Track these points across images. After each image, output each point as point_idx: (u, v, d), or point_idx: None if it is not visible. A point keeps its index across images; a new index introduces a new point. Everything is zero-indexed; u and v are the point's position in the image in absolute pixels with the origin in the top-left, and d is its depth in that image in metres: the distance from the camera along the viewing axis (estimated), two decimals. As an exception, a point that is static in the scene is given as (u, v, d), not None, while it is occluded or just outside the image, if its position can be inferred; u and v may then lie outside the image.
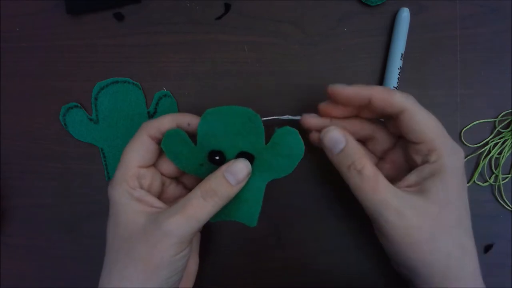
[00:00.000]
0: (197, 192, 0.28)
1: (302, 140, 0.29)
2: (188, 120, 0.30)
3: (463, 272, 0.27)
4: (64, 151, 0.39)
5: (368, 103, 0.28)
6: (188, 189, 0.34)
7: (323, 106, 0.30)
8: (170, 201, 0.32)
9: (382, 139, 0.31)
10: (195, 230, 0.27)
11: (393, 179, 0.29)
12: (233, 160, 0.29)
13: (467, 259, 0.28)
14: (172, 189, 0.33)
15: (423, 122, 0.27)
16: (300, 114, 0.32)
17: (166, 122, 0.30)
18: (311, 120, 0.31)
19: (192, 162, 0.31)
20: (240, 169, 0.29)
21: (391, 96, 0.27)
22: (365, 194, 0.27)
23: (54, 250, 0.39)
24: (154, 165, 0.32)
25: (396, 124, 0.29)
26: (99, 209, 0.39)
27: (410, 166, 0.29)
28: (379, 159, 0.32)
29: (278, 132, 0.29)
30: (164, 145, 0.30)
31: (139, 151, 0.29)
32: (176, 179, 0.34)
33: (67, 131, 0.39)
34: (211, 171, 0.30)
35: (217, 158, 0.30)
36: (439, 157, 0.27)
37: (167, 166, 0.32)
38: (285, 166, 0.30)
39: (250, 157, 0.30)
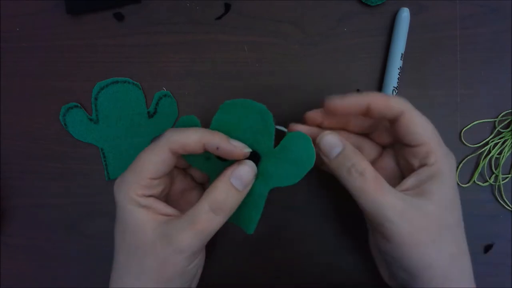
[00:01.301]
0: (205, 205, 0.27)
1: (314, 148, 0.27)
2: (218, 143, 0.27)
3: (463, 272, 0.27)
4: (64, 151, 0.39)
5: (365, 110, 0.28)
6: (195, 181, 0.33)
7: (312, 114, 0.31)
8: (178, 193, 0.32)
9: (369, 149, 0.32)
10: (206, 242, 0.28)
11: None
12: (237, 163, 0.28)
13: (465, 259, 0.28)
14: (180, 180, 0.32)
15: (422, 124, 0.27)
16: (283, 123, 0.31)
17: (192, 142, 0.27)
18: (298, 128, 0.31)
19: (198, 155, 0.30)
20: (246, 172, 0.28)
21: (389, 99, 0.27)
22: (368, 196, 0.26)
23: (54, 250, 0.39)
24: None
25: (392, 129, 0.29)
26: (99, 209, 0.39)
27: (403, 171, 0.30)
28: None
29: (289, 136, 0.28)
30: None
31: (156, 163, 0.28)
32: (184, 170, 0.33)
33: (67, 131, 0.39)
34: (216, 166, 0.29)
35: None
36: (437, 160, 0.27)
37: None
38: (292, 175, 0.28)
39: (256, 157, 0.29)
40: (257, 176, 0.29)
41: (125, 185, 0.28)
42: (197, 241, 0.27)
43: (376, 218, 0.26)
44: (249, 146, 0.29)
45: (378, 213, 0.26)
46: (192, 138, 0.27)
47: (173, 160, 0.28)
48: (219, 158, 0.29)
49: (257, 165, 0.29)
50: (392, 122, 0.28)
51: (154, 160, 0.28)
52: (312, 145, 0.27)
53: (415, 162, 0.28)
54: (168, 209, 0.29)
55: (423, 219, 0.26)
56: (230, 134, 0.29)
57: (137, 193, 0.28)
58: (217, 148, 0.27)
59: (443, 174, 0.27)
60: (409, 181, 0.28)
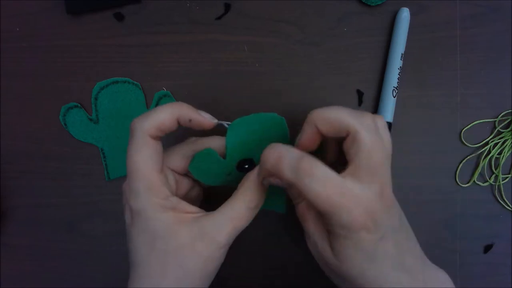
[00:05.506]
0: (244, 204, 0.28)
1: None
2: (189, 115, 0.28)
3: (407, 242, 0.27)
4: (64, 151, 0.39)
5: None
6: (195, 180, 0.32)
7: (304, 141, 0.29)
8: (182, 197, 0.31)
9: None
10: None
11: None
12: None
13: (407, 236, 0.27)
14: (184, 183, 0.32)
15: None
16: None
17: (166, 120, 0.27)
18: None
19: (220, 175, 0.31)
20: None
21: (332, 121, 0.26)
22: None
23: (54, 250, 0.39)
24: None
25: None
26: (99, 209, 0.39)
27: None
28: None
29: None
30: (192, 168, 0.30)
31: (151, 155, 0.27)
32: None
33: (67, 131, 0.39)
34: (237, 177, 0.30)
35: (246, 166, 0.30)
36: (355, 135, 0.25)
37: (175, 163, 0.30)
38: None
39: None
40: None
41: (139, 194, 0.27)
42: (234, 235, 0.28)
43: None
44: None
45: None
46: (165, 117, 0.27)
47: (159, 146, 0.28)
48: (240, 170, 0.31)
49: None
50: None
51: (146, 153, 0.27)
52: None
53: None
54: (192, 208, 0.28)
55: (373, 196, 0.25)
56: (248, 149, 0.30)
57: (158, 195, 0.27)
58: (190, 120, 0.28)
59: (362, 142, 0.24)
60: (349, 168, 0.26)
